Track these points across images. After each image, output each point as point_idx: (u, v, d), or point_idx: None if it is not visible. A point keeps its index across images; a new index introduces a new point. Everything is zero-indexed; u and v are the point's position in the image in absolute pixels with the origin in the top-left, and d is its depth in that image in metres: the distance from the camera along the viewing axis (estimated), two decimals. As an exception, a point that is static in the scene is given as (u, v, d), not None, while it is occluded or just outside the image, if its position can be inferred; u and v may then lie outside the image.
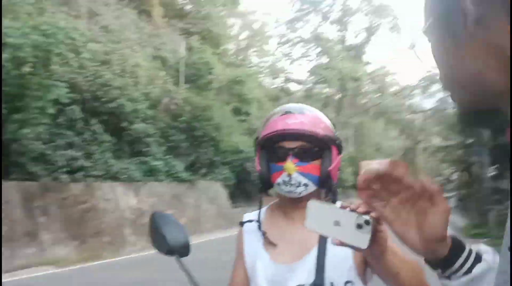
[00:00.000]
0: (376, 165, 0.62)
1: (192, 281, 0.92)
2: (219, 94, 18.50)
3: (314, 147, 1.12)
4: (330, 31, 37.91)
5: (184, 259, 1.10)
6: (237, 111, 19.20)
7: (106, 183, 10.42)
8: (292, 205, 1.15)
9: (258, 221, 1.17)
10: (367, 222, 0.66)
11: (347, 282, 1.04)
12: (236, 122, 18.03)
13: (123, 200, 10.67)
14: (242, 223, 1.20)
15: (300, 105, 1.23)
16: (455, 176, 25.98)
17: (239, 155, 15.68)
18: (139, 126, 11.90)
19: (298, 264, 1.08)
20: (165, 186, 12.01)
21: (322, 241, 1.07)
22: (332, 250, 1.05)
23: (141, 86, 13.05)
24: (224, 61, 21.22)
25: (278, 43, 34.80)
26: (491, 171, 12.96)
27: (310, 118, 1.14)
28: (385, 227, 0.68)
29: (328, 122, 1.18)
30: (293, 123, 1.11)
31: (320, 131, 1.12)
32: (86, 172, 9.88)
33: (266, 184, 1.16)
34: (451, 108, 22.87)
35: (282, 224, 1.16)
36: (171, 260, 1.10)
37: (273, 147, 1.14)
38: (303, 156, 1.10)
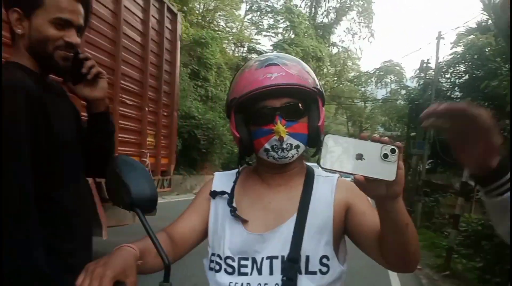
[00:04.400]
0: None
1: (155, 243, 0.79)
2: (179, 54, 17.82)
3: (301, 102, 1.00)
4: (303, 5, 37.41)
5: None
6: (195, 75, 18.69)
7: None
8: (272, 170, 1.05)
9: (230, 194, 1.05)
10: (393, 151, 0.64)
11: (323, 257, 0.96)
12: (192, 87, 17.59)
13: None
14: (213, 193, 1.07)
15: (277, 53, 1.07)
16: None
17: (190, 121, 15.36)
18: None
19: (272, 234, 0.98)
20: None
21: (302, 211, 0.98)
22: (310, 221, 0.97)
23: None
24: (189, 20, 20.38)
25: (247, 10, 33.95)
26: (426, 165, 13.83)
27: (295, 69, 1.00)
28: (402, 164, 0.67)
29: (311, 71, 1.05)
30: (278, 76, 0.96)
31: (308, 83, 0.99)
32: None
33: (248, 152, 1.05)
34: (401, 100, 23.88)
35: (257, 189, 1.06)
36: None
37: (254, 108, 0.99)
38: (290, 114, 0.98)
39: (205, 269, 1.05)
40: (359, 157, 0.64)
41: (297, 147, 0.99)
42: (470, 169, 0.73)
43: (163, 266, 0.81)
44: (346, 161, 0.64)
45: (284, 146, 0.97)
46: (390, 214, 0.76)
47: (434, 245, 8.18)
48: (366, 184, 0.67)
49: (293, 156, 1.00)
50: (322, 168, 0.67)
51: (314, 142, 1.02)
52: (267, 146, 0.98)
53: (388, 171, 0.64)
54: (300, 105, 1.00)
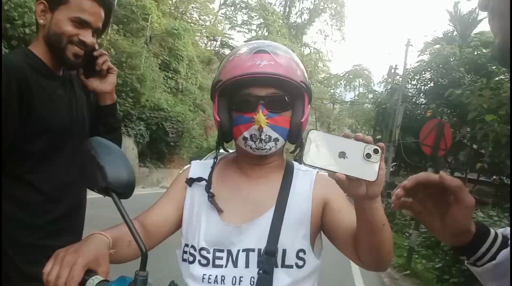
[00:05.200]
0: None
1: (132, 230, 0.74)
2: (150, 43, 17.42)
3: (287, 95, 0.97)
4: (277, 4, 37.54)
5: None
6: (165, 66, 18.32)
7: None
8: (252, 161, 1.02)
9: (208, 180, 1.02)
10: (376, 151, 0.64)
11: (299, 251, 0.94)
12: (162, 78, 17.24)
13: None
14: (190, 180, 1.04)
15: (270, 42, 1.04)
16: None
17: (159, 113, 15.10)
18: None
19: (249, 226, 0.95)
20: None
21: (281, 204, 0.96)
22: (288, 215, 0.95)
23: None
24: (162, 10, 19.93)
25: (222, 4, 33.67)
26: (390, 167, 14.26)
27: (285, 60, 0.96)
28: (383, 164, 0.67)
29: (301, 64, 1.01)
30: (266, 65, 0.93)
31: (296, 76, 0.96)
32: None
33: (227, 138, 1.02)
34: (368, 104, 24.52)
35: (236, 180, 1.03)
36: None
37: (238, 93, 0.96)
38: (274, 106, 0.95)
39: (178, 260, 1.01)
40: (342, 155, 0.64)
41: (276, 140, 0.96)
42: (453, 241, 0.67)
43: (137, 255, 0.77)
44: (329, 159, 0.64)
45: (263, 137, 0.94)
46: (367, 213, 0.77)
47: (396, 245, 8.44)
48: (347, 183, 0.67)
49: (270, 149, 0.97)
50: (304, 164, 0.65)
51: (294, 138, 0.99)
52: (246, 134, 0.96)
53: (369, 171, 0.64)
54: (286, 98, 0.97)
